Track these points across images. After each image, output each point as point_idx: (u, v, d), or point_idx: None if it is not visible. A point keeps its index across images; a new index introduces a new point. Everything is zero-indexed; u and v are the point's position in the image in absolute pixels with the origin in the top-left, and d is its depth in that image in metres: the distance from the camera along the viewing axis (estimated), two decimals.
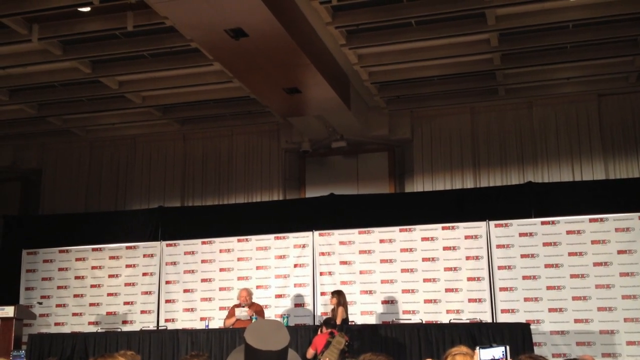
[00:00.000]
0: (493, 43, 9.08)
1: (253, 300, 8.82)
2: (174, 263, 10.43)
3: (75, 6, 7.95)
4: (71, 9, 8.07)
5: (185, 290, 10.30)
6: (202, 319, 9.86)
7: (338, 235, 9.92)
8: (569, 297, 8.86)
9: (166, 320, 10.14)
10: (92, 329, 9.98)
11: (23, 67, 9.69)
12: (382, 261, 9.67)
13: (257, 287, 9.79)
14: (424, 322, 8.29)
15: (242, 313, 8.38)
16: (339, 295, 8.62)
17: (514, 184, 10.62)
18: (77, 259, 10.82)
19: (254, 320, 8.11)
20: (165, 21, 8.17)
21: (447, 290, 9.32)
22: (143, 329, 9.16)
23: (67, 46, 9.22)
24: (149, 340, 8.21)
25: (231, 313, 8.70)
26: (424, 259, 9.51)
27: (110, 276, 10.64)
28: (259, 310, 8.66)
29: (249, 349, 2.79)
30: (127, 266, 10.60)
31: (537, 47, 9.35)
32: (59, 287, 10.79)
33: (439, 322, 8.61)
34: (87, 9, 8.08)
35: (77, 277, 10.76)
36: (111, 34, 8.85)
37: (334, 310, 8.59)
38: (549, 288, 8.96)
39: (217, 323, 9.56)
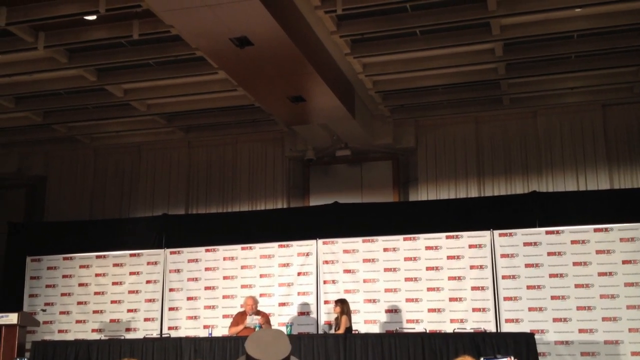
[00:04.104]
0: (498, 53, 9.09)
1: (258, 308, 8.81)
2: (178, 271, 10.43)
3: (81, 14, 7.97)
4: (77, 17, 8.09)
5: (189, 298, 10.29)
6: (205, 326, 9.85)
7: (342, 243, 9.91)
8: (574, 307, 8.83)
9: (169, 328, 10.13)
10: (96, 336, 9.98)
11: (29, 74, 9.73)
12: (386, 270, 9.65)
13: (261, 295, 9.76)
14: (427, 331, 8.27)
15: (254, 321, 8.36)
16: (342, 303, 8.62)
17: (519, 194, 10.59)
18: (81, 266, 10.83)
19: (257, 329, 8.10)
20: (170, 30, 8.21)
21: (451, 299, 9.29)
22: (146, 336, 9.17)
23: (73, 54, 9.26)
24: (152, 348, 8.19)
25: (236, 321, 8.68)
26: (428, 268, 9.49)
27: (114, 283, 10.65)
28: (268, 319, 8.65)
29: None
30: (131, 273, 10.61)
31: (541, 56, 9.36)
32: (62, 294, 10.79)
33: (442, 332, 8.59)
34: (93, 17, 8.11)
35: (80, 285, 10.77)
36: (117, 42, 8.89)
37: (337, 319, 8.58)
38: (553, 298, 8.93)
39: (220, 331, 9.55)
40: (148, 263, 10.58)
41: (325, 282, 9.83)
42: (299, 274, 9.96)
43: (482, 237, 9.35)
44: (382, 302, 9.56)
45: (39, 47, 8.65)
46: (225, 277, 10.24)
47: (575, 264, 8.97)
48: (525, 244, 9.20)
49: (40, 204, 12.92)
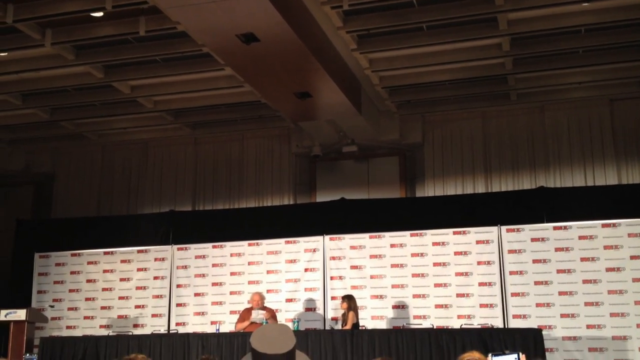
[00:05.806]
0: (505, 47, 9.06)
1: (265, 304, 8.83)
2: (185, 267, 10.46)
3: (88, 11, 7.99)
4: (84, 14, 8.12)
5: (196, 294, 10.32)
6: (212, 322, 9.86)
7: (349, 239, 9.91)
8: (581, 302, 8.81)
9: (177, 324, 10.16)
10: (104, 332, 10.01)
11: (36, 71, 9.76)
12: (392, 266, 9.65)
13: (268, 291, 9.78)
14: (435, 327, 8.27)
15: (259, 316, 8.39)
16: (349, 299, 8.62)
17: (526, 189, 10.56)
18: (89, 263, 10.88)
19: (263, 324, 8.12)
20: (177, 26, 8.21)
21: (458, 295, 9.28)
22: (154, 332, 9.20)
23: (80, 51, 9.28)
24: (160, 343, 8.22)
25: (243, 317, 8.71)
26: (435, 264, 9.48)
27: (122, 280, 10.68)
28: (273, 314, 8.67)
29: (254, 353, 2.79)
30: (139, 270, 10.64)
31: (548, 51, 9.32)
32: (70, 291, 10.84)
33: (450, 328, 8.59)
34: (100, 14, 8.13)
35: (88, 281, 10.81)
36: (123, 39, 8.90)
37: (344, 315, 8.59)
38: (561, 293, 8.91)
39: (227, 327, 9.58)
40: (155, 259, 10.61)
41: (332, 278, 9.83)
42: (305, 270, 9.96)
43: (490, 232, 9.33)
44: (389, 298, 9.56)
45: (45, 44, 8.68)
46: (232, 273, 10.26)
47: (582, 259, 8.94)
48: (533, 240, 9.18)
49: (48, 200, 12.96)
